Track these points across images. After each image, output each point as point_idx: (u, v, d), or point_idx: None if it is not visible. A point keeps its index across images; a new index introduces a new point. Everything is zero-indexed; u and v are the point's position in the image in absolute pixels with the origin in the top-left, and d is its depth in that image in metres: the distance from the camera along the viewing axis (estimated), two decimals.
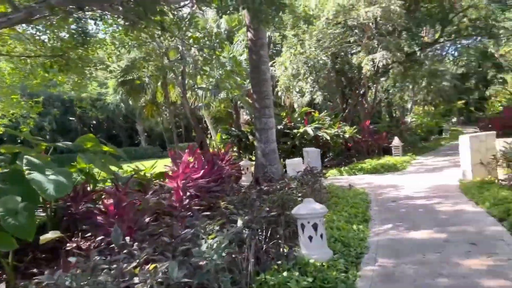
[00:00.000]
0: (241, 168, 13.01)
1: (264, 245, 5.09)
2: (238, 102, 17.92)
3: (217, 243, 3.86)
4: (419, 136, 24.87)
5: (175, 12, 9.39)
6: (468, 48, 32.72)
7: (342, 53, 17.25)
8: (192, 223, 4.83)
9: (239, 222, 4.61)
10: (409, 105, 34.83)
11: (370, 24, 14.90)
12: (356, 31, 16.56)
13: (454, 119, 43.78)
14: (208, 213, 5.67)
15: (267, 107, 9.99)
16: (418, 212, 7.39)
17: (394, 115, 32.91)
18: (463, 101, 41.72)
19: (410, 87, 29.19)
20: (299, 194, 7.34)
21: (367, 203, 8.41)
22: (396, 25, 14.80)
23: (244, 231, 4.61)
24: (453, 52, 35.04)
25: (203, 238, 4.13)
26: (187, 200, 5.72)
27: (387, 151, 17.78)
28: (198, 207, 5.87)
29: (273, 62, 16.54)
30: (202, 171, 6.41)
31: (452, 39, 22.56)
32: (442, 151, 20.21)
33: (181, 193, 5.69)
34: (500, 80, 40.70)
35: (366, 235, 6.10)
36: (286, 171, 12.14)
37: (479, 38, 24.75)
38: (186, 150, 6.93)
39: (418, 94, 34.07)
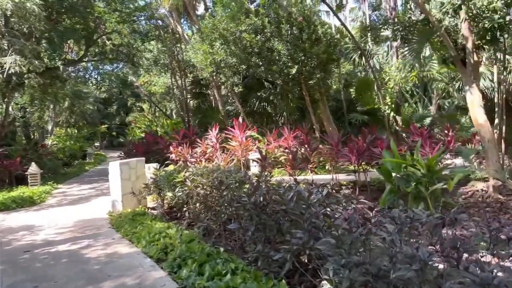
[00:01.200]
0: None
1: None
2: None
3: None
4: (62, 161, 22.64)
5: None
6: (110, 74, 33.70)
7: None
8: None
9: None
10: (49, 127, 31.86)
11: None
12: None
13: (97, 143, 43.92)
14: None
15: None
16: (62, 265, 5.56)
17: (32, 137, 29.00)
18: (106, 126, 42.82)
19: (51, 106, 26.70)
20: None
21: None
22: (35, 29, 12.34)
23: None
24: (96, 76, 35.08)
25: None
26: None
27: (22, 181, 14.70)
28: None
29: None
30: None
31: (97, 60, 22.15)
32: (87, 177, 18.93)
33: None
34: (139, 108, 44.79)
35: None
36: None
37: (121, 65, 25.72)
38: None
39: (60, 115, 31.87)
